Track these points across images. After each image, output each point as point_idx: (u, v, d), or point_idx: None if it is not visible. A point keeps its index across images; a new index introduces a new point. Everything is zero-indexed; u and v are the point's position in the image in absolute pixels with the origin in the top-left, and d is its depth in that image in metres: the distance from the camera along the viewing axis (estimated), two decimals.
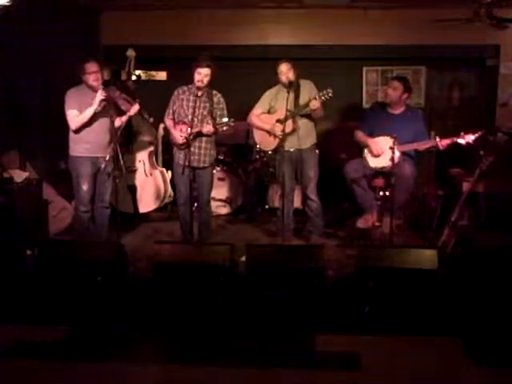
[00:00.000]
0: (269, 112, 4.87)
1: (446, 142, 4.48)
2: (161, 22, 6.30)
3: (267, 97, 4.88)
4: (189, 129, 4.45)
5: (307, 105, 4.55)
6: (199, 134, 4.53)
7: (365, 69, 6.78)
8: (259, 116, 4.91)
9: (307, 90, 4.72)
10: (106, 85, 4.66)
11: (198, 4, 6.12)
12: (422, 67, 6.75)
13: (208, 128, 4.46)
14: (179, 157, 4.61)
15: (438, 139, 4.52)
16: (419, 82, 6.81)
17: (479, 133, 4.43)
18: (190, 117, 4.52)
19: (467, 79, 6.68)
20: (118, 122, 4.64)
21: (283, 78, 4.64)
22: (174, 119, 4.64)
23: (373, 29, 6.23)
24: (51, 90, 4.90)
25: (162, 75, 6.73)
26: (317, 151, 5.00)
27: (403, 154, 4.56)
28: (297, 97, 4.70)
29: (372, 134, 4.78)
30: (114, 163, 4.68)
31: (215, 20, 6.31)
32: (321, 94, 4.50)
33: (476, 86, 6.72)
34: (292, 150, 4.74)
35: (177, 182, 4.71)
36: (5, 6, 4.27)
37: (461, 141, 4.44)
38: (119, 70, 6.23)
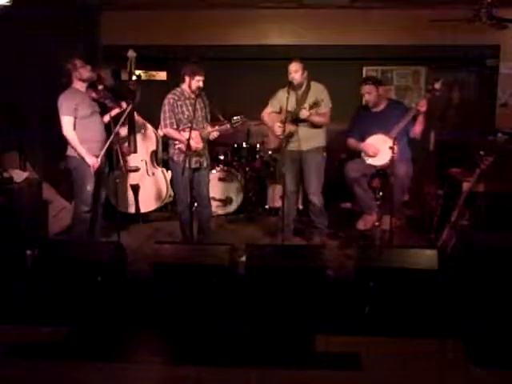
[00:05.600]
0: (280, 111, 4.85)
1: (422, 102, 4.49)
2: (161, 22, 6.31)
3: (278, 96, 4.85)
4: (201, 134, 4.49)
5: (306, 109, 4.56)
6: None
7: (365, 69, 6.78)
8: (270, 115, 4.89)
9: (315, 93, 4.66)
10: (93, 85, 4.68)
11: (197, 4, 6.12)
12: (422, 67, 6.76)
13: (227, 127, 4.51)
14: (181, 159, 4.55)
15: (414, 105, 4.57)
16: (419, 82, 6.82)
17: (440, 80, 4.49)
18: (195, 120, 4.46)
19: (467, 79, 6.69)
20: (106, 118, 4.70)
21: (289, 78, 4.64)
22: (178, 128, 4.55)
23: (373, 29, 6.23)
24: (51, 89, 4.89)
25: (162, 75, 6.73)
26: (324, 154, 4.86)
27: (397, 141, 4.51)
28: (303, 99, 4.68)
29: (363, 137, 4.78)
30: (109, 162, 4.84)
31: (215, 20, 6.32)
32: (312, 104, 4.51)
33: (476, 86, 6.72)
34: (294, 149, 4.74)
35: (178, 183, 4.69)
36: (5, 6, 4.27)
37: (435, 92, 4.48)
38: (119, 70, 6.25)
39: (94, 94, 4.63)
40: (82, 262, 3.79)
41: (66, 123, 4.50)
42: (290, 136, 4.66)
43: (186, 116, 4.53)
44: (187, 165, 4.40)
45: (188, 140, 4.28)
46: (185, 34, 6.34)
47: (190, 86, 4.50)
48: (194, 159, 4.52)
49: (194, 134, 4.41)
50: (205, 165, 4.69)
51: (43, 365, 3.00)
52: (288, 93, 4.48)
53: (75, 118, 4.51)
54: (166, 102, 4.54)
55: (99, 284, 3.69)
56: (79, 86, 4.60)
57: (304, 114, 4.57)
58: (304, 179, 4.85)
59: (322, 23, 6.31)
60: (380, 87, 4.76)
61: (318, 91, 4.70)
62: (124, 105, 4.86)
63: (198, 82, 4.44)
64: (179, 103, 4.52)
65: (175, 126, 4.54)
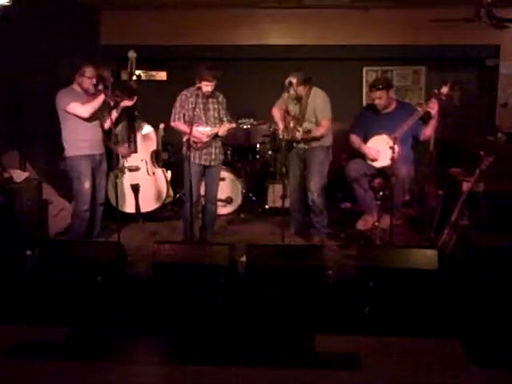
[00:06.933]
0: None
1: (432, 104, 4.47)
2: (161, 22, 6.30)
3: (283, 99, 4.83)
4: (208, 130, 4.61)
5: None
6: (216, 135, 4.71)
7: (365, 69, 6.78)
8: (279, 111, 4.93)
9: (313, 104, 4.75)
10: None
11: (198, 4, 6.12)
12: (422, 67, 6.76)
13: (225, 128, 4.62)
14: (194, 156, 4.67)
15: (420, 109, 4.55)
16: (419, 82, 6.82)
17: (448, 84, 4.45)
18: (203, 118, 4.65)
19: (467, 79, 6.68)
20: (113, 114, 4.69)
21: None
22: (185, 122, 4.65)
23: (373, 29, 6.24)
24: (51, 89, 4.90)
25: (161, 75, 6.73)
26: (329, 152, 4.93)
27: (400, 142, 4.52)
28: (304, 108, 4.76)
29: (367, 136, 4.78)
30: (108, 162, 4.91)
31: (215, 20, 6.32)
32: (307, 131, 4.71)
33: (476, 86, 6.72)
34: (299, 147, 4.87)
35: (190, 180, 4.70)
36: (5, 6, 4.27)
37: (442, 96, 4.45)
38: (118, 70, 6.25)
39: (89, 98, 4.63)
40: (82, 262, 3.79)
41: (75, 106, 4.52)
42: (292, 141, 4.79)
43: (195, 113, 4.60)
44: (195, 160, 4.63)
45: (188, 138, 4.39)
46: (185, 34, 6.33)
47: (199, 88, 4.59)
48: (203, 156, 4.69)
49: (203, 130, 4.59)
50: (215, 163, 4.79)
51: (43, 365, 2.99)
52: (288, 92, 4.57)
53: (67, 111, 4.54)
54: (178, 97, 4.71)
55: (99, 284, 3.69)
56: (77, 88, 4.64)
57: (298, 136, 4.73)
58: (306, 177, 4.92)
59: (322, 23, 6.31)
60: (390, 90, 4.74)
61: (315, 102, 4.76)
62: (130, 101, 4.87)
63: (206, 86, 4.55)
64: (191, 100, 4.62)
65: (182, 121, 4.68)
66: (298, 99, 4.75)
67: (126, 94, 4.85)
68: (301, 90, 4.70)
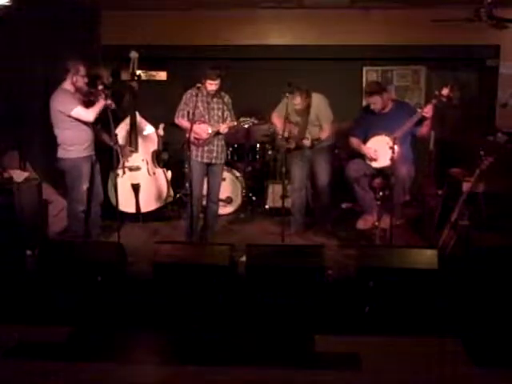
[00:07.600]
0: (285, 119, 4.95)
1: (428, 108, 4.48)
2: (161, 22, 6.31)
3: (282, 105, 4.90)
4: (209, 127, 4.66)
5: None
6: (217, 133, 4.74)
7: (365, 69, 6.78)
8: (278, 119, 5.02)
9: (315, 110, 4.87)
10: (93, 85, 4.67)
11: (198, 4, 6.12)
12: (422, 67, 6.76)
13: (225, 126, 4.68)
14: (197, 154, 4.72)
15: (419, 110, 4.55)
16: (419, 82, 6.82)
17: (449, 86, 4.46)
18: (206, 117, 4.70)
19: (467, 79, 6.68)
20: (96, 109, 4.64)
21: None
22: (188, 120, 4.66)
23: (373, 29, 6.24)
24: (51, 90, 4.90)
25: (161, 75, 6.74)
26: (331, 152, 5.16)
27: (401, 143, 4.53)
28: (305, 114, 4.84)
29: (367, 136, 4.78)
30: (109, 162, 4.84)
31: (215, 20, 6.32)
32: (316, 139, 4.82)
33: (476, 86, 6.72)
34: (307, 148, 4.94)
35: (194, 178, 4.72)
36: (5, 7, 4.27)
37: (443, 98, 4.45)
38: (119, 70, 6.25)
39: (81, 97, 4.61)
40: (82, 262, 3.79)
41: (79, 112, 4.49)
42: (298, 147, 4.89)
43: (199, 111, 4.65)
44: (197, 159, 4.69)
45: (189, 136, 4.42)
46: (185, 34, 6.34)
47: (199, 88, 4.62)
48: (205, 154, 4.73)
49: (204, 127, 4.63)
50: (217, 161, 4.82)
51: (43, 365, 2.99)
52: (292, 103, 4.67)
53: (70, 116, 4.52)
54: (184, 95, 4.76)
55: (99, 284, 3.69)
56: (69, 87, 4.59)
57: (306, 143, 4.86)
58: (313, 176, 5.05)
59: (322, 23, 6.31)
60: (385, 93, 4.74)
61: (317, 107, 4.86)
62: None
63: (210, 85, 4.60)
64: (194, 99, 4.64)
65: (186, 118, 4.70)
66: (303, 110, 4.82)
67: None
68: (302, 102, 4.76)
